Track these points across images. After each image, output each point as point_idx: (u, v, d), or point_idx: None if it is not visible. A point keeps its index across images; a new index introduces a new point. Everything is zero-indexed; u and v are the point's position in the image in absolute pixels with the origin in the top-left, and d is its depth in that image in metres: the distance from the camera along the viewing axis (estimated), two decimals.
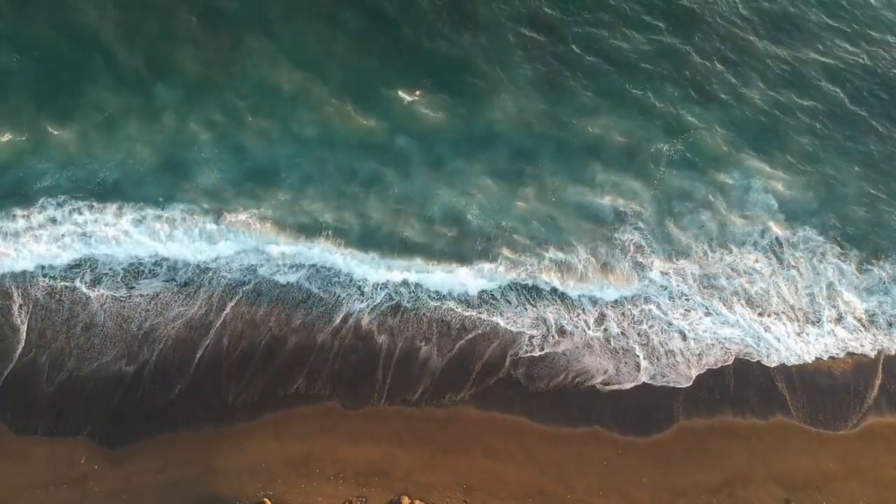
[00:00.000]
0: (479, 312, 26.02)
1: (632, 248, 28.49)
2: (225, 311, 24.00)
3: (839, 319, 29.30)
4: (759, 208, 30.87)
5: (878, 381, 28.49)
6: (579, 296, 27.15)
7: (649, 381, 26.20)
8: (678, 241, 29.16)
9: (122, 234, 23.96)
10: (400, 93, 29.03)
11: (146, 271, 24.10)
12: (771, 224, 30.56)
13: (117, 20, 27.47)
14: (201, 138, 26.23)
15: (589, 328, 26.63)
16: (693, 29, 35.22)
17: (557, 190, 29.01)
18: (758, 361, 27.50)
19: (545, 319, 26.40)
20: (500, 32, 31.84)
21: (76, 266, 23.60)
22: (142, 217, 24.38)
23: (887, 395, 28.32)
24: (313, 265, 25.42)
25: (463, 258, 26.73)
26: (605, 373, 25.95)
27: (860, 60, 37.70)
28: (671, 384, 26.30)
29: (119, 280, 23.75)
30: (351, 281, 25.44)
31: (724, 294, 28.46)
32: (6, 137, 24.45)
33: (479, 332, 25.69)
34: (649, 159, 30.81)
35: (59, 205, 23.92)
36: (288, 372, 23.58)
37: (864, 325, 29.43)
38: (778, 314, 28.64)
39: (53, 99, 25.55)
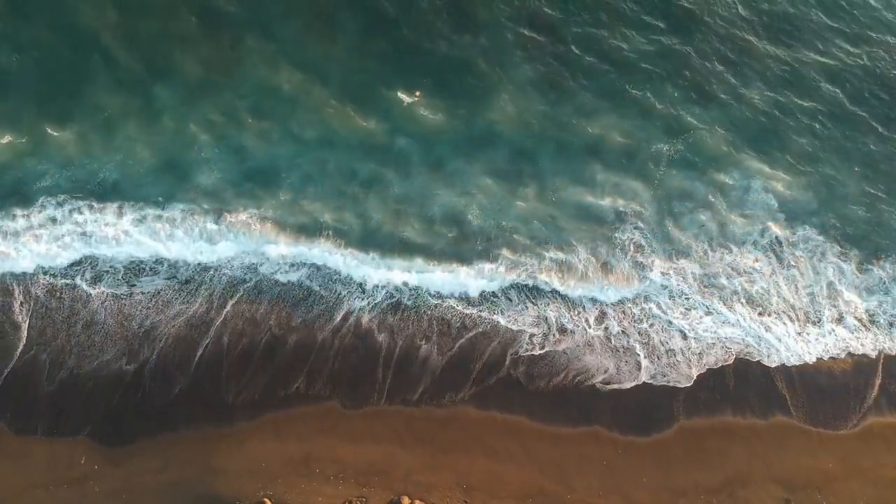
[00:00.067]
0: (480, 310, 26.02)
1: (632, 247, 28.51)
2: (226, 309, 24.01)
3: (840, 319, 29.31)
4: (758, 208, 30.89)
5: (878, 381, 28.49)
6: (580, 296, 27.14)
7: (650, 381, 26.20)
8: (678, 240, 29.17)
9: (123, 234, 23.98)
10: (400, 93, 29.04)
11: (147, 269, 24.12)
12: (771, 224, 30.58)
13: (117, 21, 27.44)
14: (201, 139, 26.23)
15: (590, 326, 26.63)
16: (693, 29, 35.25)
17: (557, 190, 29.03)
18: (758, 361, 27.50)
19: (546, 317, 26.40)
20: (499, 33, 31.86)
21: (77, 263, 23.61)
22: (142, 217, 24.39)
23: (887, 395, 28.33)
24: (314, 265, 25.42)
25: (463, 258, 26.75)
26: (605, 371, 25.95)
27: (860, 61, 37.72)
28: (672, 384, 26.29)
29: (120, 277, 23.77)
30: (351, 280, 25.44)
31: (724, 293, 28.47)
32: (6, 139, 24.44)
33: (480, 330, 25.69)
34: (649, 159, 30.82)
35: (59, 204, 23.93)
36: (288, 371, 23.58)
37: (864, 325, 29.43)
38: (779, 314, 28.64)
39: (53, 100, 25.52)
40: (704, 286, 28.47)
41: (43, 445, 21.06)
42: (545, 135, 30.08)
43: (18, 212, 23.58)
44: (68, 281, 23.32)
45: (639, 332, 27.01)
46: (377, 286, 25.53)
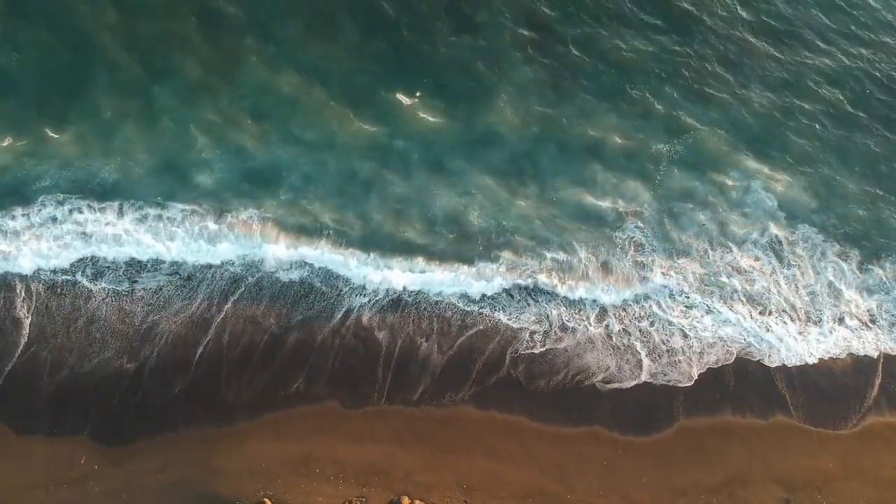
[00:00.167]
0: (481, 308, 26.02)
1: (632, 247, 28.53)
2: (226, 307, 24.00)
3: (840, 319, 29.30)
4: (758, 208, 30.92)
5: (878, 381, 28.48)
6: (581, 296, 27.14)
7: (650, 380, 26.19)
8: (678, 240, 29.19)
9: (123, 234, 23.98)
10: (399, 95, 29.07)
11: (149, 265, 24.10)
12: (770, 224, 30.60)
13: (117, 22, 27.46)
14: (201, 140, 26.18)
15: (590, 325, 26.63)
16: (692, 30, 35.31)
17: (558, 190, 29.05)
18: (758, 361, 27.48)
19: (547, 315, 26.39)
20: (499, 34, 31.91)
21: (78, 261, 23.58)
22: (142, 217, 24.40)
23: (887, 395, 28.31)
24: (314, 264, 25.41)
25: (464, 258, 26.74)
26: (606, 370, 25.94)
27: (859, 62, 37.78)
28: (672, 383, 26.28)
29: (121, 274, 23.77)
30: (351, 280, 25.44)
31: (724, 293, 28.47)
32: (6, 142, 24.44)
33: (480, 328, 25.68)
34: (649, 160, 30.86)
35: (59, 203, 23.93)
36: (288, 370, 23.55)
37: (865, 325, 29.42)
38: (779, 313, 28.64)
39: (53, 102, 25.49)
40: (705, 285, 28.47)
41: (43, 445, 21.01)
42: (545, 135, 30.11)
43: (18, 211, 23.58)
44: (69, 277, 23.31)
45: (639, 331, 27.01)
46: (378, 286, 25.52)
